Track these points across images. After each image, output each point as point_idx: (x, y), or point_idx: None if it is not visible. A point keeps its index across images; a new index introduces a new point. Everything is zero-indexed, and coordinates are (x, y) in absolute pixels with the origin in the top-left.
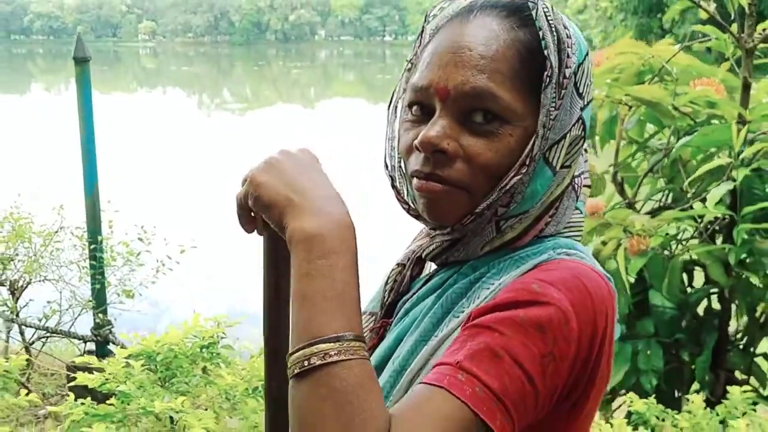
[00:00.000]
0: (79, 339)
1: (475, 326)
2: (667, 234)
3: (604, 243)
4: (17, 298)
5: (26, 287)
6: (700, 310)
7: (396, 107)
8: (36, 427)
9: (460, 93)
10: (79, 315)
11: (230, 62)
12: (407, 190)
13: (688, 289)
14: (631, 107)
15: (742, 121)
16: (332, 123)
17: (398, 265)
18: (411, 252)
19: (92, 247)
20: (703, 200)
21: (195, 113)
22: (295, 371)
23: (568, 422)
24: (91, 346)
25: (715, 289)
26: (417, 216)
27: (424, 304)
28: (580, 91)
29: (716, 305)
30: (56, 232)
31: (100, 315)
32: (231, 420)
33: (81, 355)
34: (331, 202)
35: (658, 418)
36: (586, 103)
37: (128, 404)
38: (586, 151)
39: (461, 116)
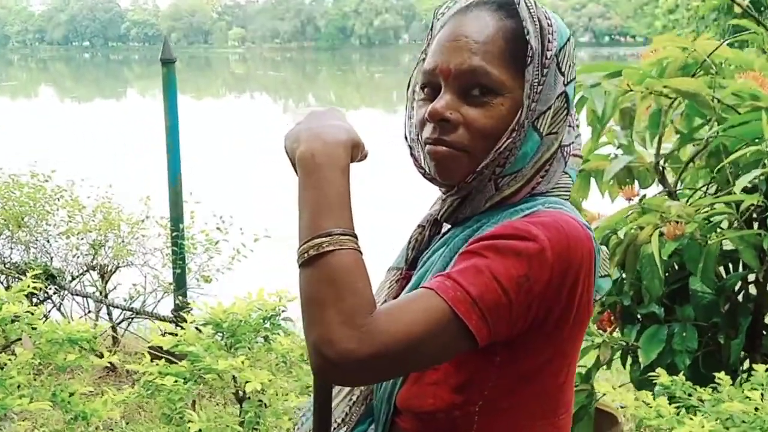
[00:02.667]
0: (161, 319)
1: (466, 252)
2: (704, 220)
3: (641, 228)
4: (106, 282)
5: (114, 271)
6: (740, 296)
7: (413, 91)
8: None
9: (460, 71)
10: (161, 298)
11: (315, 67)
12: (423, 156)
13: (726, 275)
14: (674, 99)
15: None
16: None
17: (419, 226)
18: (429, 215)
19: (174, 234)
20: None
21: (280, 117)
22: (299, 262)
23: (551, 342)
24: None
25: (752, 275)
26: (431, 179)
27: (439, 253)
28: (562, 69)
29: (753, 290)
30: (143, 221)
31: (180, 297)
32: (287, 381)
33: (162, 335)
34: (329, 130)
35: (685, 392)
36: (568, 80)
37: (196, 364)
38: (577, 126)
39: (462, 91)
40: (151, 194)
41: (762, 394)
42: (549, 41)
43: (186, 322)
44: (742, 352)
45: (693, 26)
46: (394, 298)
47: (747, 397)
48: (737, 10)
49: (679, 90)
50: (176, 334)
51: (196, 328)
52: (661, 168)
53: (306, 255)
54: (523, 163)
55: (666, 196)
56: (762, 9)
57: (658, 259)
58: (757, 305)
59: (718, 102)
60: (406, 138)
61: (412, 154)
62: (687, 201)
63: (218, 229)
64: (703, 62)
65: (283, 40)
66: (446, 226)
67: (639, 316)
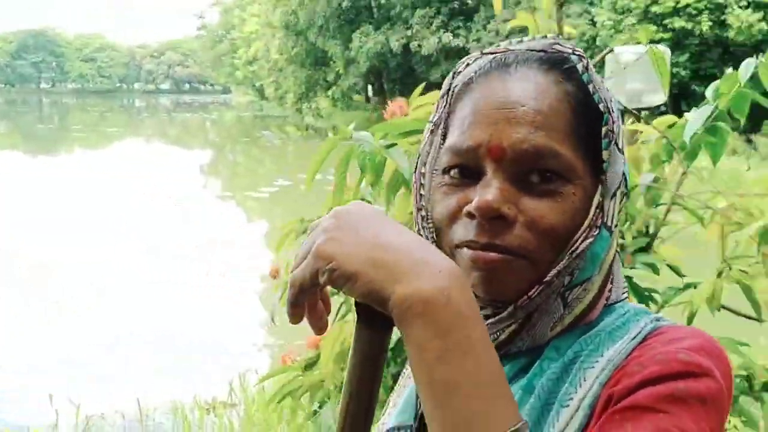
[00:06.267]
0: None
1: (629, 408)
2: None
3: None
4: None
5: None
6: None
7: (422, 174)
8: None
9: (519, 152)
10: None
11: None
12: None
13: None
14: None
15: None
16: None
17: None
18: None
19: None
20: None
21: None
22: None
23: None
24: None
25: None
26: None
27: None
28: (620, 146)
29: None
30: None
31: None
32: None
33: None
34: (431, 253)
35: None
36: (625, 159)
37: None
38: None
39: (517, 178)
40: None
41: None
42: (611, 111)
43: None
44: None
45: (273, 77)
46: None
47: None
48: None
49: None
50: None
51: None
52: None
53: None
54: (593, 268)
55: None
56: None
57: None
58: None
59: None
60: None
61: None
62: None
63: None
64: None
65: None
66: None
67: None
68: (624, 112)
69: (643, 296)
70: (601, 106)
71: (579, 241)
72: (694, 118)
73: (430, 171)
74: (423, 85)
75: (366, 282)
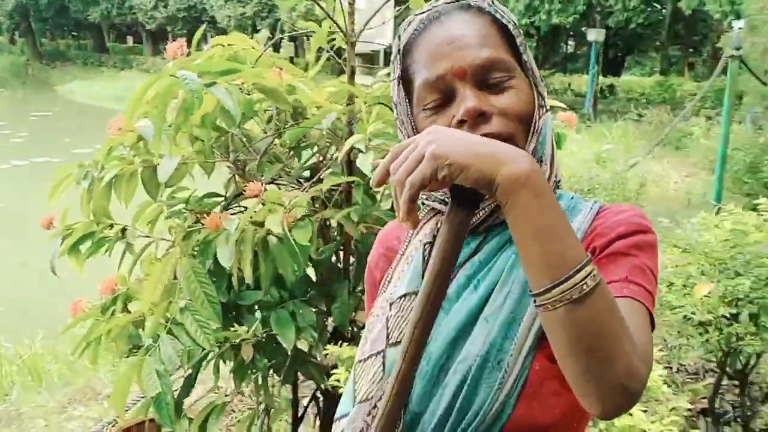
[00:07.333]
0: None
1: (610, 255)
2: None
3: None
4: None
5: None
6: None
7: (407, 113)
8: None
9: (475, 67)
10: None
11: None
12: None
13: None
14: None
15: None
16: None
17: (428, 244)
18: (436, 230)
19: None
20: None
21: None
22: (573, 296)
23: None
24: None
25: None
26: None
27: (500, 264)
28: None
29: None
30: None
31: None
32: None
33: None
34: (510, 147)
35: None
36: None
37: None
38: None
39: (480, 85)
40: None
41: None
42: (517, 26)
43: None
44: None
45: None
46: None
47: None
48: None
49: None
50: None
51: None
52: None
53: (585, 287)
54: (545, 145)
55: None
56: None
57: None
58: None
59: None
60: None
61: None
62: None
63: None
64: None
65: None
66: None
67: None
68: None
69: None
70: (510, 26)
71: (537, 119)
72: None
73: (406, 111)
74: (204, 25)
75: (476, 170)
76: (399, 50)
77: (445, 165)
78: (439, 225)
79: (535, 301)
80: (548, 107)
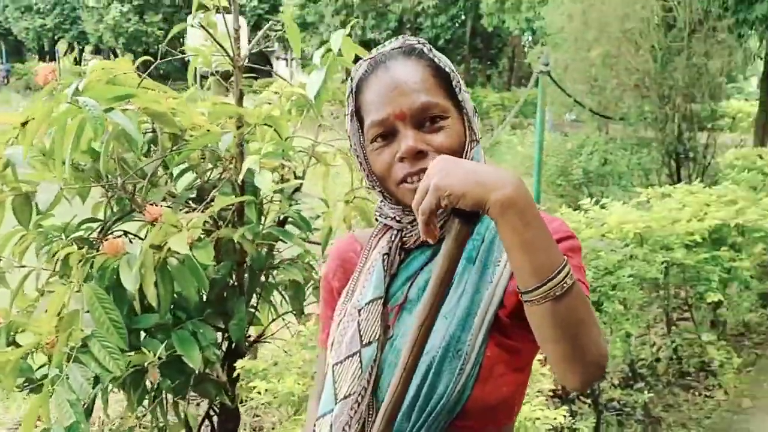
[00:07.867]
0: None
1: None
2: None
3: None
4: None
5: None
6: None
7: (360, 147)
8: None
9: (413, 110)
10: None
11: None
12: (401, 193)
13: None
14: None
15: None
16: None
17: (386, 255)
18: (391, 242)
19: None
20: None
21: None
22: (556, 293)
23: None
24: None
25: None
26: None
27: (460, 273)
28: (463, 89)
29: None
30: None
31: None
32: None
33: None
34: (500, 170)
35: None
36: (468, 94)
37: None
38: None
39: (418, 126)
40: None
41: None
42: (453, 70)
43: None
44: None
45: None
46: (388, 326)
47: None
48: None
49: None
50: None
51: None
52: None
53: (565, 285)
54: None
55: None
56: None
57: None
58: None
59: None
60: (372, 187)
61: (384, 197)
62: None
63: None
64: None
65: None
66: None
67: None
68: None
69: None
70: (447, 69)
71: (467, 153)
72: (313, 81)
73: (359, 145)
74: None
75: (471, 197)
76: (351, 90)
77: (446, 195)
78: (392, 238)
79: (524, 297)
80: (478, 139)
